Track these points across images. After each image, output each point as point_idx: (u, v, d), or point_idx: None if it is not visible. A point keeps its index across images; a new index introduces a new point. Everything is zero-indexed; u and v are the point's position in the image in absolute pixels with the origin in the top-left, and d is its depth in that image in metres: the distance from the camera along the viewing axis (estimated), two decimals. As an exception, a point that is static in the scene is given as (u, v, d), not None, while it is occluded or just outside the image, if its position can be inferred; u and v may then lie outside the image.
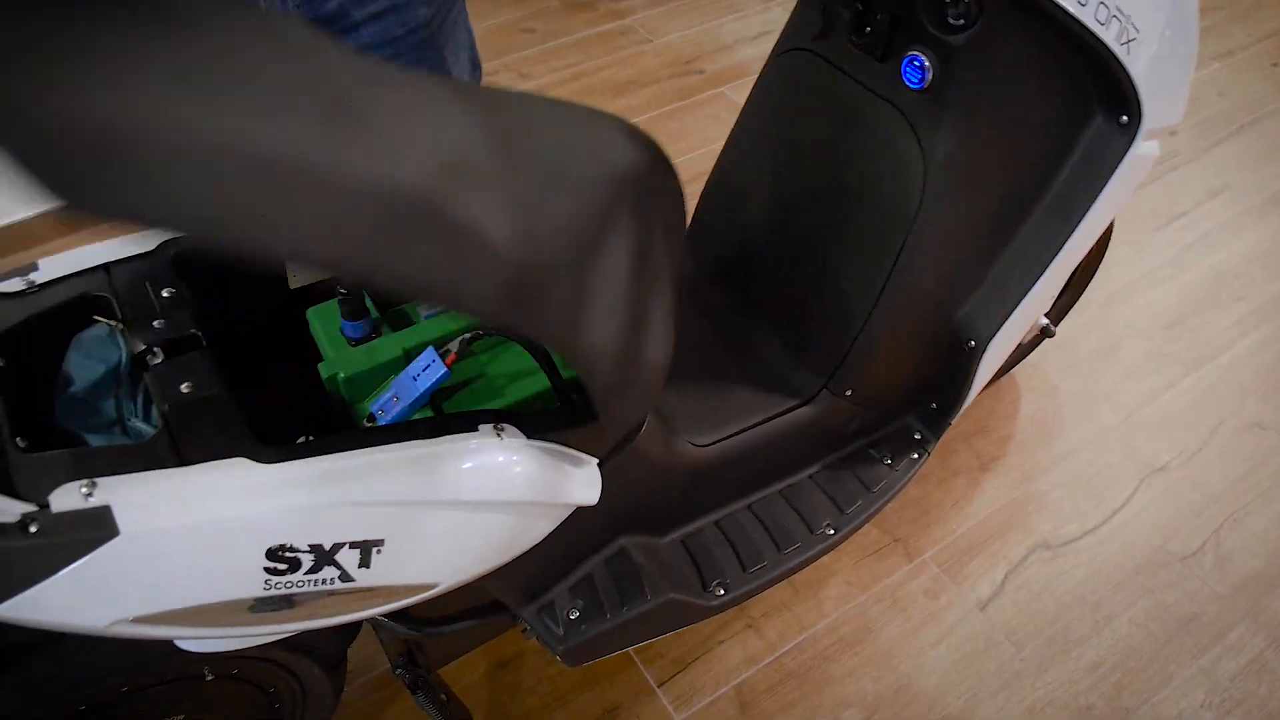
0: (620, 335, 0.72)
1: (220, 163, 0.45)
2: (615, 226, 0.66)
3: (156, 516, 0.68)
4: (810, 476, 1.30)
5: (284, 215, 0.47)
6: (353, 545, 0.76)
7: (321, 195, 0.48)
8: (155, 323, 0.84)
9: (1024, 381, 1.81)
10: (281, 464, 0.73)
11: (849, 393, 1.25)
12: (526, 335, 0.77)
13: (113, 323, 0.86)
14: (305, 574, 0.75)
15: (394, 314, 1.01)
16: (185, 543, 0.69)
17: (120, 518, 0.67)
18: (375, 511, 0.76)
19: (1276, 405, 1.77)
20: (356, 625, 1.11)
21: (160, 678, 0.97)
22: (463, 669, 1.38)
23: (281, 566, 0.73)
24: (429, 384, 0.89)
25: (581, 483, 0.92)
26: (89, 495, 0.68)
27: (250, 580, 0.73)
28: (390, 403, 0.90)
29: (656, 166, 0.70)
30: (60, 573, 0.66)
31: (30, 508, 0.67)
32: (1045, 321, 1.50)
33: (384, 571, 0.79)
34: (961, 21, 1.00)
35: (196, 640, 0.82)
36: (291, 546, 0.73)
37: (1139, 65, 1.04)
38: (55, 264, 0.88)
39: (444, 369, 0.89)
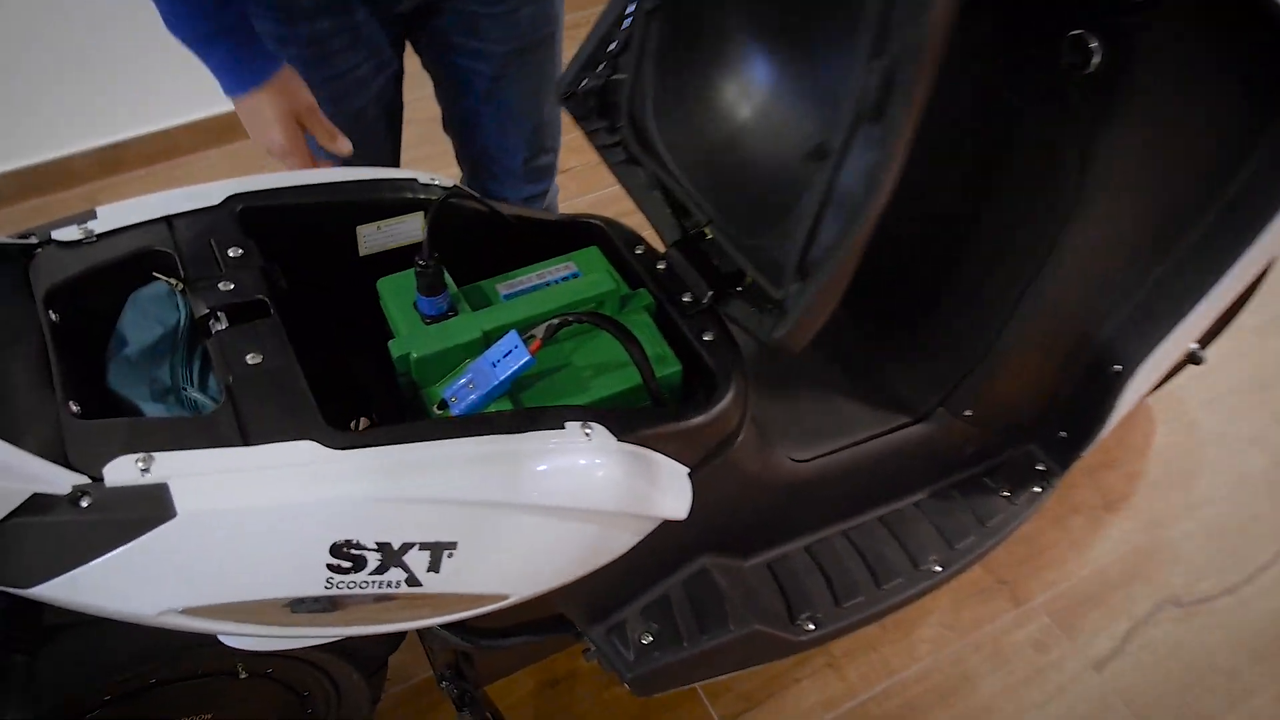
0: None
1: None
2: None
3: (216, 498, 0.69)
4: (916, 504, 1.27)
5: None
6: (423, 547, 0.76)
7: None
8: (220, 284, 0.84)
9: (1160, 412, 1.75)
10: (353, 450, 0.73)
11: (968, 413, 1.22)
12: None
13: (173, 281, 0.87)
14: (370, 574, 0.75)
15: (473, 291, 1.01)
16: (245, 530, 0.69)
17: (178, 497, 0.68)
18: (450, 511, 0.76)
19: None
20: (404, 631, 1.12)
21: (193, 672, 0.98)
22: (509, 684, 1.39)
23: (345, 564, 0.73)
24: (510, 371, 0.88)
25: (671, 493, 0.90)
26: (145, 470, 0.68)
27: (311, 577, 0.73)
28: (464, 389, 0.89)
29: None
30: (111, 553, 0.67)
31: (83, 479, 0.67)
32: (1194, 346, 1.45)
33: (454, 578, 0.79)
34: None
35: (243, 638, 0.83)
36: (358, 543, 0.73)
37: None
38: (114, 213, 0.90)
39: (527, 356, 0.88)
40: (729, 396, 0.93)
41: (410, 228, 1.04)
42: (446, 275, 0.95)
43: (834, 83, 0.89)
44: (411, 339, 0.93)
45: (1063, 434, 1.31)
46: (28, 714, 0.76)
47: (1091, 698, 1.40)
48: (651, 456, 0.88)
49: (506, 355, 0.89)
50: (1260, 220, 1.09)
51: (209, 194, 0.93)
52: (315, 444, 0.73)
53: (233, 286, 0.84)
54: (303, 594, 0.74)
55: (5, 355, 0.76)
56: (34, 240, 0.86)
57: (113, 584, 0.68)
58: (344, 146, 1.15)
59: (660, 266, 1.05)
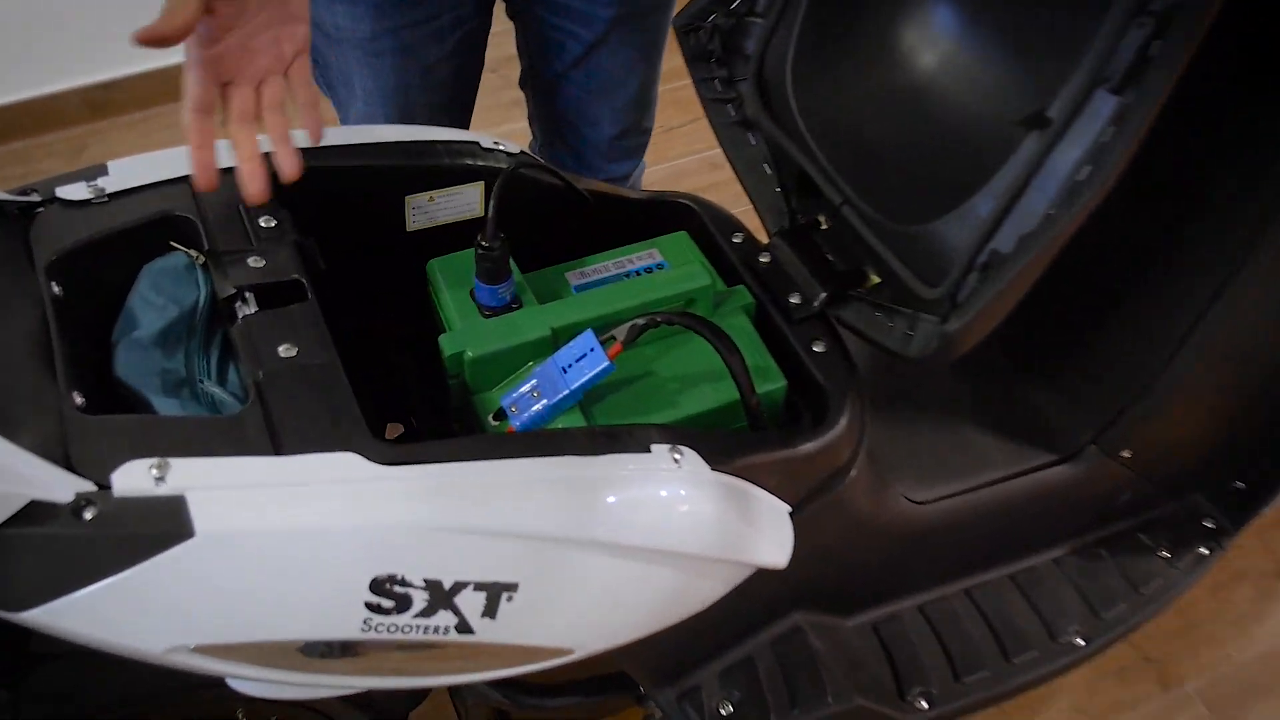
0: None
1: None
2: None
3: (242, 517, 0.68)
4: (1055, 561, 1.25)
5: None
6: (479, 587, 0.75)
7: None
8: (250, 260, 0.84)
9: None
10: (402, 467, 0.72)
11: (1125, 453, 1.19)
12: None
13: (194, 254, 0.87)
14: (415, 616, 0.74)
15: (538, 279, 1.01)
16: (274, 557, 0.69)
17: (197, 513, 0.67)
18: (514, 546, 0.75)
19: None
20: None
21: (188, 717, 0.98)
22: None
23: (387, 604, 0.73)
24: (584, 379, 0.87)
25: (770, 536, 0.89)
26: (161, 479, 0.68)
27: (347, 617, 0.72)
28: (528, 398, 0.89)
29: None
30: (117, 576, 0.66)
31: (88, 486, 0.67)
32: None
33: (512, 626, 0.78)
34: None
35: (257, 683, 0.83)
36: (404, 579, 0.72)
37: None
38: (128, 169, 0.90)
39: (606, 361, 0.87)
40: (843, 421, 0.92)
41: (468, 200, 1.03)
42: (512, 262, 0.95)
43: (1049, 34, 0.87)
44: (467, 334, 0.92)
45: (1239, 484, 1.29)
46: None
47: (1255, 808, 1.37)
48: (750, 491, 0.87)
49: (580, 360, 0.88)
50: None
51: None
52: (359, 457, 0.72)
53: (264, 263, 0.84)
54: (335, 636, 0.73)
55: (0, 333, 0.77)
56: (36, 198, 0.87)
57: (117, 613, 0.68)
58: (312, 129, 0.91)
59: (763, 260, 1.04)
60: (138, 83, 2.45)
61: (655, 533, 0.80)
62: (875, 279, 1.00)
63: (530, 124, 1.49)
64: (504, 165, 1.02)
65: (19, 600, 0.66)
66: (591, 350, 0.88)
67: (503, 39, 1.39)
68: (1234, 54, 1.05)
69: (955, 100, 0.96)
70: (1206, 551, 1.27)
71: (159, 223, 0.87)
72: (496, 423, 0.90)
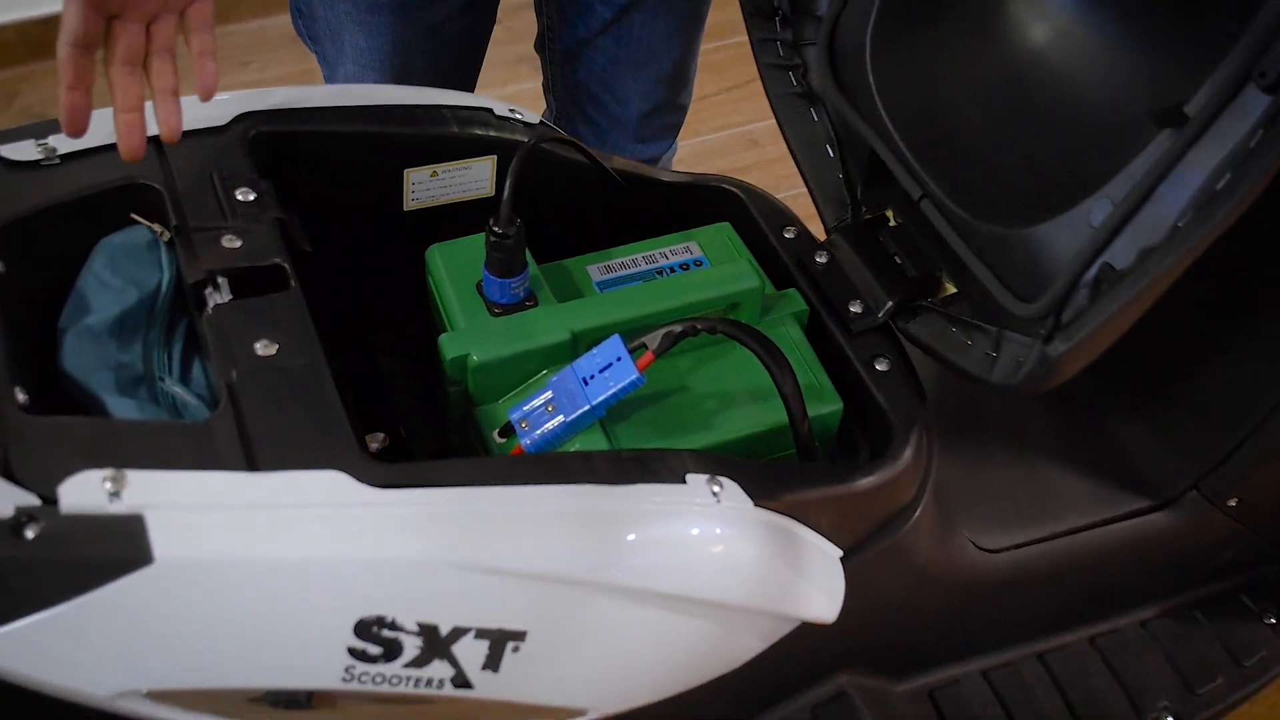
0: None
1: None
2: None
3: (208, 543, 0.68)
4: (1143, 624, 1.25)
5: None
6: (481, 634, 0.75)
7: None
8: (224, 239, 0.84)
9: None
10: (396, 491, 0.73)
11: (1231, 502, 1.19)
12: None
13: (158, 228, 0.87)
14: (405, 666, 0.74)
15: (555, 272, 1.00)
16: (245, 590, 0.69)
17: (156, 536, 0.67)
18: (524, 588, 0.75)
19: None
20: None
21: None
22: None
23: (374, 650, 0.73)
24: (608, 393, 0.87)
25: (819, 585, 0.89)
26: (115, 495, 0.68)
27: (326, 663, 0.73)
28: (541, 412, 0.89)
29: None
30: (60, 606, 0.67)
31: (30, 500, 0.67)
32: None
33: (517, 681, 0.78)
34: None
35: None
36: (393, 622, 0.72)
37: None
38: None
39: (635, 373, 0.87)
40: (907, 453, 0.92)
41: (476, 176, 1.04)
42: (528, 254, 0.95)
43: (1193, 15, 0.86)
44: (472, 334, 0.93)
45: (1362, 545, 1.28)
46: None
47: None
48: (798, 532, 0.87)
49: (604, 370, 0.88)
50: None
51: (211, 111, 0.93)
52: (347, 477, 0.72)
53: (240, 244, 0.84)
54: (312, 685, 0.74)
55: None
56: None
57: (59, 649, 0.68)
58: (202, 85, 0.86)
59: (819, 259, 1.04)
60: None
61: (686, 578, 0.80)
62: (951, 288, 1.00)
63: (545, 92, 1.49)
64: (520, 137, 1.02)
65: None
66: (618, 360, 0.88)
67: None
68: None
69: (1069, 85, 0.95)
70: (1321, 621, 1.27)
71: (119, 191, 0.88)
72: (502, 440, 0.90)
